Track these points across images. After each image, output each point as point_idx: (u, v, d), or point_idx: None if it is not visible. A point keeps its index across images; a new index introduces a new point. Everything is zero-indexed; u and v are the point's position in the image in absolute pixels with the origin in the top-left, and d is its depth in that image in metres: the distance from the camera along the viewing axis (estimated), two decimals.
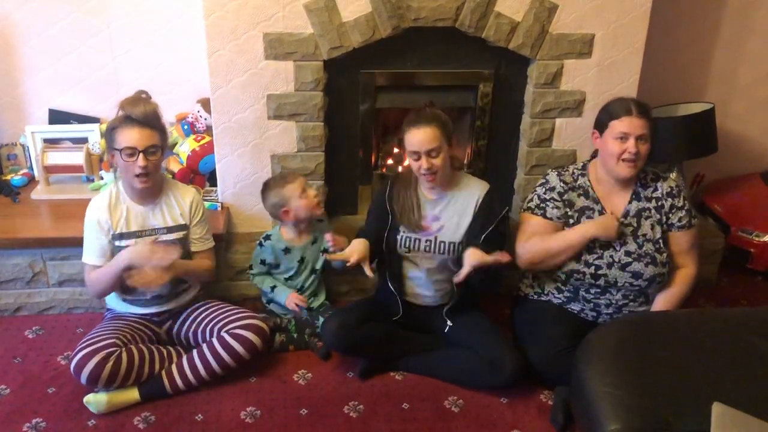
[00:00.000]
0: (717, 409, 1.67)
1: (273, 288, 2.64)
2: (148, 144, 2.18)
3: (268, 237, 2.65)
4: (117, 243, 2.27)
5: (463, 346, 2.41)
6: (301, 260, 2.63)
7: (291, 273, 2.64)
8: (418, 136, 2.23)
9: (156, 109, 2.25)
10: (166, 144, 2.31)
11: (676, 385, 1.79)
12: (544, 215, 2.37)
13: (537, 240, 2.34)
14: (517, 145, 2.96)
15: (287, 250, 2.62)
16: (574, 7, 2.62)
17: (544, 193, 2.39)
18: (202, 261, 2.43)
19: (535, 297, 2.50)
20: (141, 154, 2.17)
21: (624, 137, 2.23)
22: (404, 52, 2.71)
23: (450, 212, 2.38)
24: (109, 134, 2.22)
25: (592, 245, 2.32)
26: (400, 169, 3.08)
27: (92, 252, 2.27)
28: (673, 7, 3.17)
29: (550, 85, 2.74)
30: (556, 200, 2.36)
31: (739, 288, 3.09)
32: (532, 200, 2.42)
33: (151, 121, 2.22)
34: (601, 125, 2.31)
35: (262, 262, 2.65)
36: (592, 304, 2.38)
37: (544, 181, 2.43)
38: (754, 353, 1.91)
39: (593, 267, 2.31)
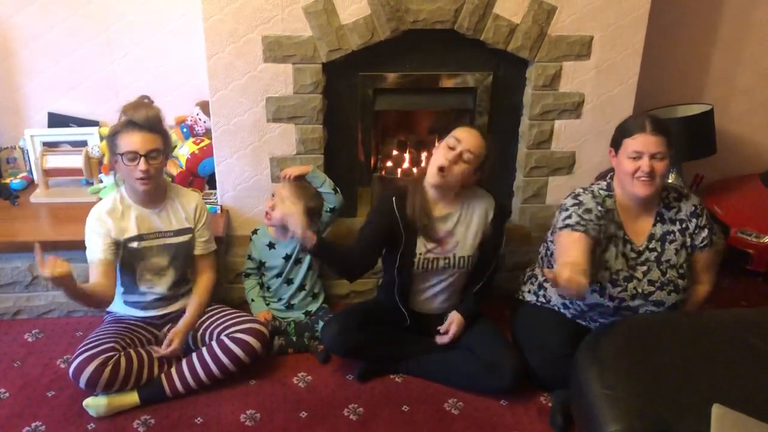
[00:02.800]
0: (717, 411, 1.67)
1: (252, 301, 2.67)
2: (150, 148, 2.19)
3: (255, 231, 2.70)
4: (130, 245, 2.28)
5: (464, 349, 2.42)
6: (287, 257, 2.63)
7: (277, 270, 2.64)
8: (470, 135, 2.26)
9: (158, 113, 2.26)
10: (169, 149, 2.32)
11: (676, 387, 1.79)
12: (587, 232, 2.15)
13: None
14: (516, 147, 2.96)
15: (272, 246, 2.64)
16: (572, 9, 2.62)
17: (583, 213, 2.18)
18: (202, 286, 2.45)
19: (538, 304, 2.48)
20: (142, 159, 2.17)
21: (637, 156, 2.13)
22: (403, 54, 2.71)
23: (463, 226, 2.38)
24: (111, 139, 2.22)
25: (616, 278, 2.22)
26: (398, 173, 3.08)
27: (93, 249, 2.24)
28: (672, 9, 3.17)
29: (548, 87, 2.74)
30: (595, 222, 2.18)
31: (739, 289, 3.09)
32: (570, 217, 2.19)
33: (153, 125, 2.22)
34: (616, 144, 2.22)
35: (250, 257, 2.68)
36: (597, 322, 2.35)
37: (577, 201, 2.23)
38: (754, 354, 1.91)
39: (617, 300, 2.22)
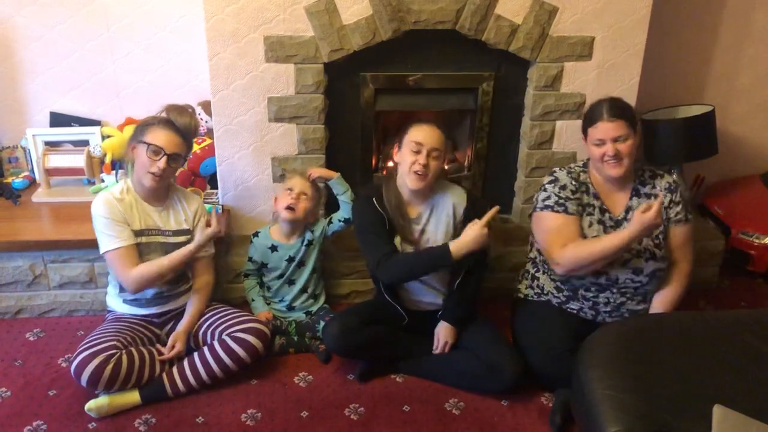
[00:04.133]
0: (718, 412, 1.67)
1: (252, 301, 2.66)
2: (176, 151, 2.24)
3: (257, 234, 2.68)
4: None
5: (464, 350, 2.42)
6: (290, 259, 2.62)
7: (279, 272, 2.63)
8: (428, 132, 2.29)
9: (198, 126, 2.34)
10: (186, 158, 2.39)
11: (676, 388, 1.79)
12: (566, 211, 2.31)
13: (575, 248, 2.25)
14: (518, 148, 2.96)
15: (274, 248, 2.62)
16: (574, 10, 2.62)
17: (559, 191, 2.33)
18: (201, 289, 2.45)
19: (535, 298, 2.50)
20: (165, 157, 2.21)
21: (601, 143, 2.25)
22: (404, 54, 2.71)
23: (433, 223, 2.40)
24: (141, 128, 2.26)
25: None
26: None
27: (116, 234, 2.22)
28: (673, 10, 3.17)
29: (550, 87, 2.74)
30: (571, 198, 2.32)
31: (739, 290, 3.08)
32: (548, 198, 2.33)
33: (188, 134, 2.29)
34: (584, 131, 2.35)
35: (251, 259, 2.67)
36: (591, 302, 2.38)
37: (552, 178, 2.37)
38: (754, 355, 1.91)
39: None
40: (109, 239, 2.23)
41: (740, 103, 3.46)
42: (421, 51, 2.71)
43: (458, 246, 2.22)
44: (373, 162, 2.99)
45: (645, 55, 2.75)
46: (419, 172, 2.27)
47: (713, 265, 3.02)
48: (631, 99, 2.78)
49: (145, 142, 2.22)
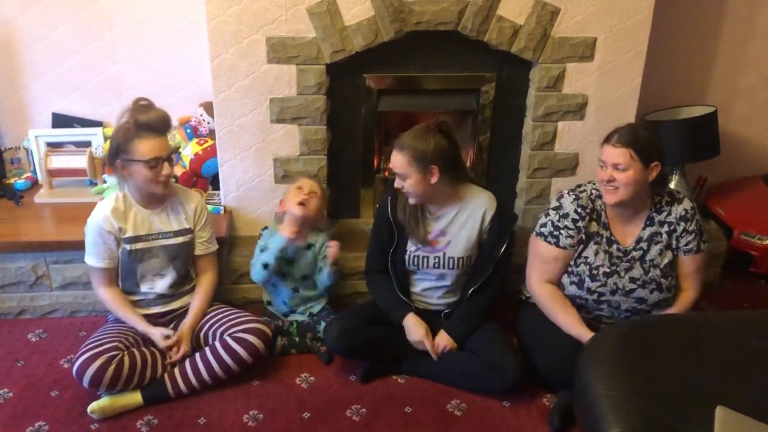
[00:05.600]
0: (720, 413, 1.67)
1: (263, 249, 2.56)
2: (170, 151, 2.24)
3: (266, 227, 2.66)
4: (128, 246, 2.29)
5: (466, 350, 2.41)
6: (289, 262, 2.61)
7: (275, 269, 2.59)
8: (392, 158, 2.32)
9: (167, 113, 2.25)
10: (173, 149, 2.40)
11: (678, 389, 1.79)
12: (557, 244, 2.33)
13: (547, 297, 2.35)
14: (519, 149, 2.96)
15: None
16: (576, 11, 2.62)
17: (558, 221, 2.33)
18: (204, 286, 2.46)
19: None
20: (165, 162, 2.20)
21: (603, 165, 2.24)
22: (406, 55, 2.71)
23: (457, 226, 2.39)
24: (123, 145, 2.16)
25: (596, 273, 2.30)
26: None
27: (97, 254, 2.28)
28: (675, 11, 3.17)
29: (552, 88, 2.74)
30: (570, 228, 2.31)
31: (741, 291, 3.08)
32: (545, 225, 2.36)
33: (164, 126, 2.23)
34: None
35: (262, 250, 2.60)
36: (594, 315, 2.38)
37: (557, 204, 2.36)
38: (756, 356, 1.90)
39: (596, 294, 2.30)
40: (89, 255, 2.30)
41: (742, 104, 3.45)
42: (423, 52, 2.71)
43: (414, 321, 2.39)
44: (375, 163, 2.99)
45: (647, 56, 2.75)
46: (400, 192, 2.35)
47: (715, 266, 3.02)
48: (633, 100, 2.79)
49: (139, 160, 2.15)
